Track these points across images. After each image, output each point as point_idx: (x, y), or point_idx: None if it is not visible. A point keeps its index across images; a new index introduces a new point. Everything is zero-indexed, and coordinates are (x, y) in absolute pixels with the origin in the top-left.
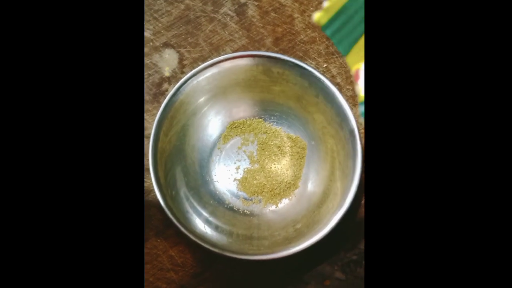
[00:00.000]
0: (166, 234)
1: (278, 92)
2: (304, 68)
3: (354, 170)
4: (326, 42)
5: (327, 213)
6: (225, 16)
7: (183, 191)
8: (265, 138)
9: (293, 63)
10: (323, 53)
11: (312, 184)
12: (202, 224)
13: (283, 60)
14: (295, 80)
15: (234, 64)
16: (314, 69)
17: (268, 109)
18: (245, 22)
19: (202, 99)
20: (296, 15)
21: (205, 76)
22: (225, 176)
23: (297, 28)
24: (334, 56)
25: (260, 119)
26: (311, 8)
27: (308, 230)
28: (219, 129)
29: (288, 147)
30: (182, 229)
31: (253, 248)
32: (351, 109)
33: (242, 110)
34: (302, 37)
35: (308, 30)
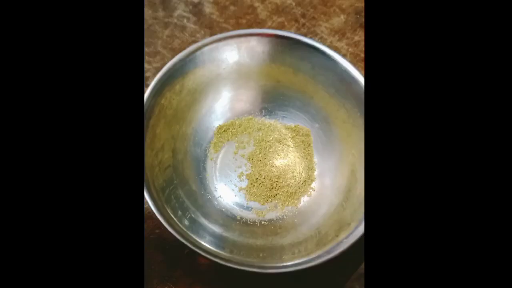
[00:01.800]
0: (173, 278)
1: (266, 77)
2: (290, 38)
3: None
4: (296, 25)
5: (359, 205)
6: (181, 19)
7: (184, 221)
8: (261, 135)
9: (276, 35)
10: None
11: (331, 172)
12: (220, 246)
13: (257, 35)
14: (283, 57)
15: (212, 55)
16: (302, 36)
17: (257, 102)
18: (204, 21)
19: (181, 105)
20: (256, 4)
21: (179, 82)
22: (228, 189)
23: (261, 16)
24: (308, 36)
25: (249, 116)
26: None
27: (342, 226)
28: (207, 136)
29: (289, 139)
30: (209, 256)
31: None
32: (358, 69)
33: (228, 109)
34: (270, 24)
35: (274, 16)
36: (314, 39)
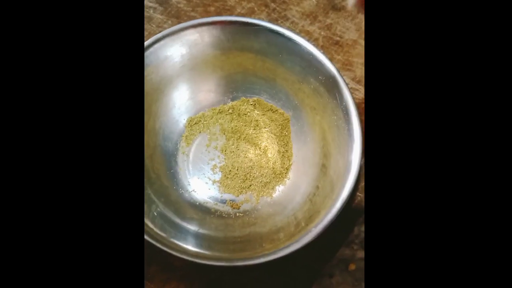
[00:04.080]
0: (149, 274)
1: (233, 65)
2: (256, 25)
3: (350, 131)
4: (266, 10)
5: (330, 191)
6: (147, 9)
7: (159, 218)
8: (234, 126)
9: (241, 22)
10: (266, 20)
11: (305, 161)
12: (196, 243)
13: (220, 23)
14: (249, 43)
15: (174, 47)
16: (265, 21)
17: (227, 92)
18: (171, 11)
19: (146, 99)
20: None
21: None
22: (202, 182)
23: (230, 3)
24: (279, 21)
25: (221, 105)
26: None
27: (313, 215)
28: (177, 129)
29: (263, 128)
30: (184, 256)
31: (258, 251)
32: (325, 55)
33: (197, 101)
34: (239, 10)
35: (243, 2)
36: (278, 24)
